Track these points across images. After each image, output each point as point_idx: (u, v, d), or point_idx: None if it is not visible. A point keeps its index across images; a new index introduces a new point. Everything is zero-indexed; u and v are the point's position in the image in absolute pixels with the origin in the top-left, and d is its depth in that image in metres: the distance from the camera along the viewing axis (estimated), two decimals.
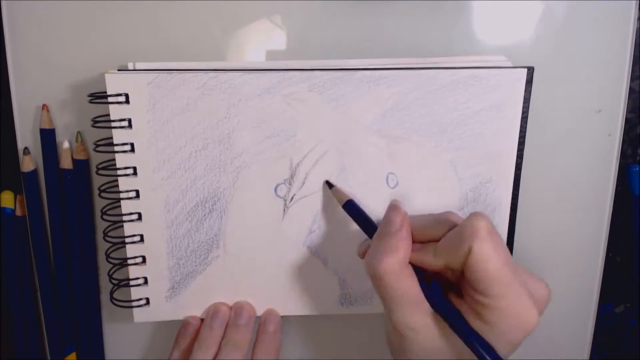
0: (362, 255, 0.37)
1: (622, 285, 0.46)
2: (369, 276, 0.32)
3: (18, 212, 0.41)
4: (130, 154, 0.36)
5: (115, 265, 0.39)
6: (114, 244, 0.38)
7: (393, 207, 0.34)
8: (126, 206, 0.37)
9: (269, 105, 0.36)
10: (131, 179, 0.37)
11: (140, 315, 0.40)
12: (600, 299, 0.45)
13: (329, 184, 0.38)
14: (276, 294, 0.40)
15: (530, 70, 0.36)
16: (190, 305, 0.40)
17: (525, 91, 0.36)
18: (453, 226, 0.32)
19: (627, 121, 0.41)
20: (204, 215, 0.38)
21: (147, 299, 0.40)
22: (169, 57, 0.38)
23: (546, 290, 0.32)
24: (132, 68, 0.37)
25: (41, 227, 0.41)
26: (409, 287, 0.31)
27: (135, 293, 0.39)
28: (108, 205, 0.38)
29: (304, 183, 0.38)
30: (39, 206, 0.41)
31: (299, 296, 0.41)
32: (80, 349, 0.43)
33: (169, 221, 0.38)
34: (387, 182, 0.38)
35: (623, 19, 0.39)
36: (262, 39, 0.39)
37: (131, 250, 0.38)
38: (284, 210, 0.38)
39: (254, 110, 0.36)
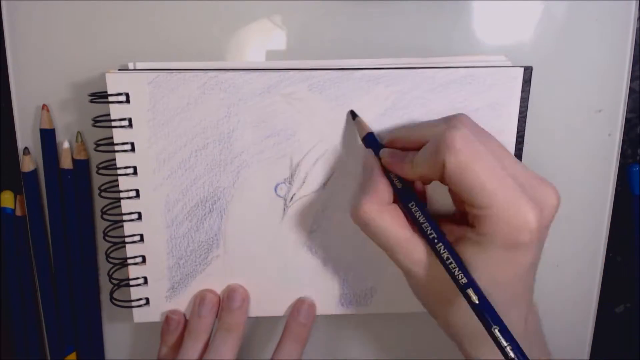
0: None
1: (622, 285, 0.46)
2: (358, 225, 0.32)
3: (18, 212, 0.41)
4: (130, 154, 0.37)
5: (115, 265, 0.39)
6: (114, 243, 0.38)
7: (366, 156, 0.35)
8: (126, 206, 0.37)
9: (269, 104, 0.36)
10: (131, 178, 0.37)
11: (140, 315, 0.40)
12: (600, 299, 0.44)
13: (353, 114, 0.36)
14: (276, 294, 0.40)
15: (528, 70, 0.36)
16: (190, 306, 0.40)
17: (522, 90, 0.36)
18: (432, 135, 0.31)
19: (627, 121, 0.41)
20: (204, 214, 0.38)
21: (147, 299, 0.40)
22: (169, 57, 0.38)
23: (553, 195, 0.31)
24: (132, 68, 0.37)
25: (41, 227, 0.41)
26: (397, 226, 0.31)
27: (135, 293, 0.39)
28: (108, 205, 0.38)
29: (304, 182, 0.38)
30: (39, 206, 0.41)
31: (299, 296, 0.41)
32: (80, 349, 0.43)
33: (169, 221, 0.38)
34: None
35: (623, 19, 0.39)
36: (262, 39, 0.39)
37: (131, 250, 0.38)
38: (284, 209, 0.38)
39: (254, 109, 0.36)
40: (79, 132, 0.39)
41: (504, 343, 0.27)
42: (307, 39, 0.39)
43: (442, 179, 0.29)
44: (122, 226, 0.38)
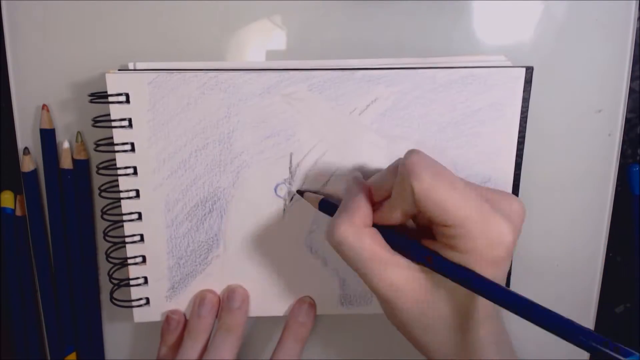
0: None
1: (622, 285, 0.46)
2: (332, 247, 0.32)
3: (18, 212, 0.41)
4: (130, 154, 0.37)
5: (115, 265, 0.39)
6: (114, 243, 0.38)
7: (352, 178, 0.34)
8: (126, 206, 0.37)
9: (269, 104, 0.36)
10: (131, 178, 0.37)
11: (140, 315, 0.40)
12: (600, 299, 0.44)
13: (299, 193, 0.38)
14: (276, 294, 0.40)
15: (530, 70, 0.36)
16: (190, 305, 0.40)
17: (524, 91, 0.36)
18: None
19: (627, 121, 0.41)
20: (204, 214, 0.38)
21: (147, 299, 0.40)
22: (169, 57, 0.38)
23: (519, 205, 0.31)
24: (132, 68, 0.37)
25: (41, 227, 0.41)
26: (375, 247, 0.30)
27: (135, 293, 0.39)
28: (108, 205, 0.38)
29: (303, 183, 0.38)
30: (39, 206, 0.41)
31: (299, 296, 0.41)
32: (80, 349, 0.43)
33: (169, 221, 0.38)
34: None
35: (623, 19, 0.39)
36: (262, 39, 0.39)
37: (131, 250, 0.38)
38: (284, 210, 0.38)
39: (254, 109, 0.36)
40: (79, 132, 0.39)
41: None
42: (307, 39, 0.39)
43: (416, 207, 0.29)
44: (122, 226, 0.38)
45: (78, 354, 0.43)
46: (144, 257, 0.39)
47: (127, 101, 0.36)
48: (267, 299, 0.40)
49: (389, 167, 0.33)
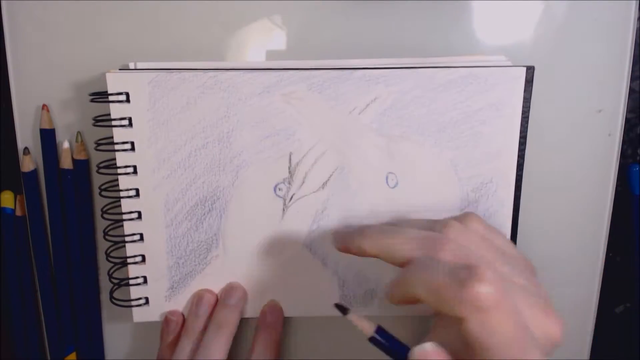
0: None
1: (622, 285, 0.46)
2: None
3: (18, 212, 0.41)
4: (130, 153, 0.37)
5: (115, 264, 0.39)
6: (115, 242, 0.38)
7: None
8: (126, 205, 0.37)
9: (269, 104, 0.36)
10: (131, 177, 0.37)
11: (139, 315, 0.40)
12: (600, 299, 0.44)
13: (341, 308, 0.32)
14: (275, 295, 0.40)
15: (530, 70, 0.36)
16: (189, 305, 0.40)
17: (525, 90, 0.36)
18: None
19: (627, 121, 0.41)
20: (203, 214, 0.38)
21: (147, 299, 0.40)
22: (169, 57, 0.39)
23: (557, 330, 0.29)
24: (133, 68, 0.37)
25: (41, 227, 0.41)
26: None
27: (135, 292, 0.39)
28: (108, 204, 0.38)
29: (303, 182, 0.38)
30: (39, 206, 0.41)
31: (298, 297, 0.40)
32: (80, 349, 0.43)
33: (168, 220, 0.38)
34: (386, 182, 0.38)
35: (623, 19, 0.39)
36: (262, 39, 0.39)
37: (131, 249, 0.38)
38: (284, 209, 0.38)
39: (254, 109, 0.36)
40: (79, 132, 0.39)
41: None
42: (307, 39, 0.39)
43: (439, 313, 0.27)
44: (122, 225, 0.38)
45: (78, 354, 0.43)
46: (143, 257, 0.39)
47: (127, 100, 0.36)
48: (266, 299, 0.40)
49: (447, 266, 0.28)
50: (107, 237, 0.38)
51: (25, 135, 0.40)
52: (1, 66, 0.39)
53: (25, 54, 0.38)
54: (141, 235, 0.38)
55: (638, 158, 0.43)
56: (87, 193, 0.41)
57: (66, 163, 0.40)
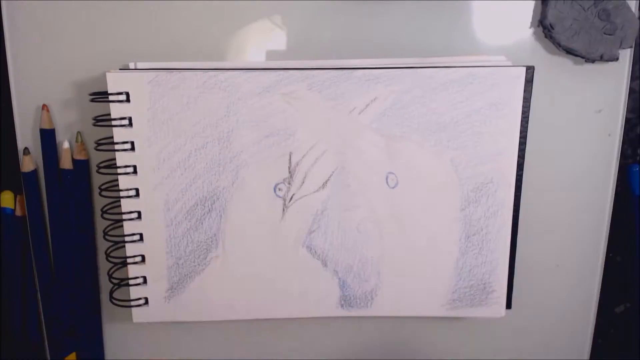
0: None
1: (622, 285, 0.46)
2: None
3: (18, 212, 0.41)
4: (130, 153, 0.37)
5: (115, 264, 0.39)
6: (115, 242, 0.38)
7: None
8: (126, 205, 0.37)
9: (268, 104, 0.36)
10: (131, 177, 0.37)
11: (139, 315, 0.40)
12: (600, 299, 0.44)
13: None
14: (275, 295, 0.40)
15: (531, 70, 0.36)
16: (189, 307, 0.40)
17: (525, 90, 0.36)
18: None
19: (627, 121, 0.41)
20: (203, 214, 0.38)
21: (146, 299, 0.40)
22: (170, 56, 0.39)
23: None
24: (133, 68, 0.37)
25: (41, 227, 0.41)
26: None
27: (135, 292, 0.39)
28: (108, 204, 0.38)
29: (303, 182, 0.38)
30: (39, 206, 0.41)
31: (298, 298, 0.40)
32: (80, 349, 0.43)
33: (168, 220, 0.38)
34: (387, 182, 0.38)
35: None
36: (262, 39, 0.39)
37: (131, 249, 0.38)
38: (283, 210, 0.38)
39: (253, 109, 0.36)
40: (79, 132, 0.39)
41: None
42: (307, 39, 0.39)
43: None
44: (122, 225, 0.38)
45: (78, 354, 0.43)
46: (143, 257, 0.39)
47: (127, 100, 0.36)
48: (266, 300, 0.40)
49: None
50: (107, 237, 0.38)
51: (25, 135, 0.40)
52: (1, 66, 0.39)
53: (25, 54, 0.38)
54: (141, 235, 0.38)
55: (638, 158, 0.43)
56: (87, 193, 0.40)
57: (66, 163, 0.40)
